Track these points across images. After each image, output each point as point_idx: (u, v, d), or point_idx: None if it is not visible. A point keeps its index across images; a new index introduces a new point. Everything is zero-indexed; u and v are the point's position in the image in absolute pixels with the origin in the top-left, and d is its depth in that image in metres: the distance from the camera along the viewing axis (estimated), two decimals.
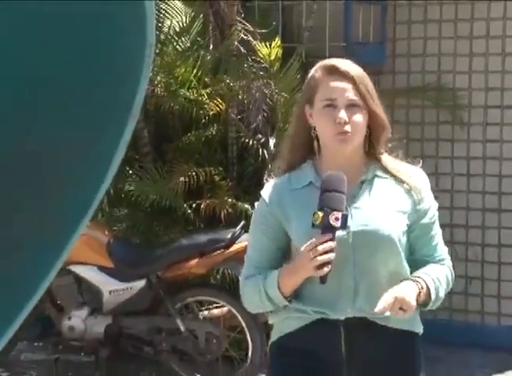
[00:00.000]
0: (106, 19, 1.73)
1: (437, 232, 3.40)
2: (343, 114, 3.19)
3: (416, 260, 3.33)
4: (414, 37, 8.99)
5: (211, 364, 7.38)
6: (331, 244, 3.09)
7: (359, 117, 3.22)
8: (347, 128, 3.20)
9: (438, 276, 3.30)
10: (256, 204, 3.46)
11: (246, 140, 8.23)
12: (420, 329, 3.46)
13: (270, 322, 3.43)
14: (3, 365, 7.63)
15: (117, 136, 1.78)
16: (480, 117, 8.75)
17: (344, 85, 3.24)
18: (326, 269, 3.09)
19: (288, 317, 3.31)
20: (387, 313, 3.15)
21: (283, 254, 3.34)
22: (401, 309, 3.11)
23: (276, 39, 8.03)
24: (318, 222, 3.09)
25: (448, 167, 8.73)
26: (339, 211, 3.09)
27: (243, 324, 6.86)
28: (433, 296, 3.24)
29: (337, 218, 3.07)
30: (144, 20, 1.65)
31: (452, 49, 8.86)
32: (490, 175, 8.70)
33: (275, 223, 3.32)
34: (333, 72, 3.27)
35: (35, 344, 8.11)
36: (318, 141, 3.33)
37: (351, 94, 3.24)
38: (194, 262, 7.45)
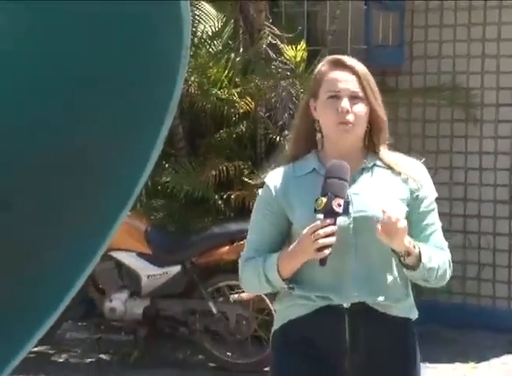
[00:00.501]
0: (144, 19, 1.73)
1: (434, 221, 3.32)
2: (345, 103, 3.14)
3: None
4: (430, 41, 8.98)
5: (241, 344, 7.40)
6: (333, 227, 3.03)
7: (361, 108, 3.17)
8: (350, 117, 3.15)
9: (433, 251, 3.20)
10: (260, 190, 3.39)
11: (274, 136, 8.24)
12: (414, 315, 3.35)
13: (274, 308, 3.37)
14: (50, 343, 7.67)
15: (155, 133, 1.78)
16: (492, 115, 8.73)
17: (347, 77, 3.19)
18: (326, 252, 3.03)
19: (293, 304, 3.23)
20: (381, 298, 3.14)
21: (283, 240, 3.27)
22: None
23: (301, 42, 8.05)
24: (321, 208, 3.04)
25: (462, 161, 8.71)
26: (341, 197, 3.05)
27: (271, 307, 6.85)
28: (424, 260, 3.12)
29: (339, 204, 3.03)
30: (180, 21, 1.64)
31: (465, 51, 8.85)
32: (501, 169, 8.69)
33: (277, 209, 3.25)
34: (338, 65, 3.23)
35: (79, 324, 8.15)
36: (321, 134, 3.26)
37: (354, 86, 3.18)
38: (225, 248, 7.47)
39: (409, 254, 3.09)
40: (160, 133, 1.76)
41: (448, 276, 3.30)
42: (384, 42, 8.79)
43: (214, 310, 7.43)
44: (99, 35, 1.77)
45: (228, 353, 7.50)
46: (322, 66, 3.26)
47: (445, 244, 3.32)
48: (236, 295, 7.29)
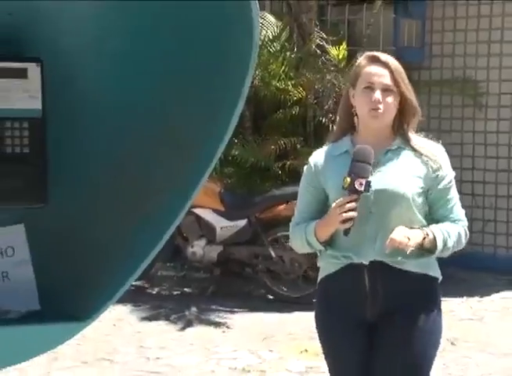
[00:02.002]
0: (221, 20, 1.73)
1: (453, 196, 3.12)
2: (378, 95, 2.99)
3: (434, 219, 3.07)
4: (446, 43, 8.96)
5: (294, 281, 7.41)
6: (354, 204, 2.90)
7: (391, 100, 3.01)
8: (380, 106, 2.99)
9: (449, 230, 3.04)
10: (305, 167, 3.23)
11: (320, 118, 8.27)
12: (436, 274, 3.12)
13: (318, 265, 3.21)
14: (145, 279, 7.77)
15: (230, 113, 1.80)
16: (495, 102, 8.70)
17: (381, 72, 3.03)
18: (347, 225, 2.91)
19: (327, 262, 3.12)
20: (399, 257, 2.97)
21: (323, 209, 3.10)
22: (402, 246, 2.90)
23: (343, 44, 8.06)
24: (346, 186, 2.92)
25: (470, 138, 8.67)
26: (364, 177, 2.91)
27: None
28: (439, 244, 2.98)
29: (361, 184, 2.89)
30: (251, 21, 1.65)
31: (474, 51, 8.82)
32: (502, 144, 8.70)
33: (317, 184, 3.12)
34: (374, 61, 3.06)
35: (167, 264, 8.21)
36: (357, 118, 3.11)
37: (386, 80, 3.02)
38: (282, 207, 7.50)
39: (424, 244, 2.96)
40: (234, 114, 1.79)
41: (464, 243, 3.13)
42: (409, 44, 8.77)
43: (273, 254, 7.46)
44: (186, 34, 1.78)
45: (283, 288, 7.53)
46: (361, 60, 3.11)
47: (463, 213, 3.14)
48: (290, 243, 7.34)
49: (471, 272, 7.92)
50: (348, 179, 2.91)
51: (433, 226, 3.03)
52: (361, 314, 3.07)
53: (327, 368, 3.22)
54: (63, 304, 1.96)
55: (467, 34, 8.86)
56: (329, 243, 3.07)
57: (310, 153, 8.79)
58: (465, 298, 6.89)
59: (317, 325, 3.19)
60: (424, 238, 2.96)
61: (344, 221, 2.92)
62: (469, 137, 8.69)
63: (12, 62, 1.83)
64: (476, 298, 7.47)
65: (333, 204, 2.96)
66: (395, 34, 8.80)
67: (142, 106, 1.91)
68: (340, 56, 8.02)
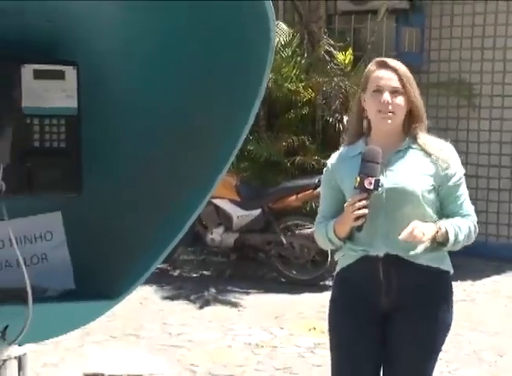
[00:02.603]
0: (237, 12, 1.72)
1: (463, 193, 3.03)
2: (387, 96, 2.91)
3: (445, 214, 2.98)
4: (443, 49, 8.96)
5: (303, 265, 7.42)
6: (365, 202, 2.83)
7: (400, 101, 2.93)
8: (390, 107, 2.92)
9: (459, 225, 2.95)
10: (324, 169, 3.14)
11: (328, 118, 8.27)
12: (448, 268, 3.03)
13: (335, 258, 3.14)
14: (168, 263, 7.79)
15: (247, 112, 1.80)
16: (487, 103, 8.73)
17: (389, 75, 2.95)
18: (360, 221, 2.84)
19: (344, 255, 3.04)
20: (412, 252, 2.89)
21: (342, 207, 2.99)
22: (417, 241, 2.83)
23: (349, 50, 8.07)
24: (357, 185, 2.84)
25: (465, 136, 8.66)
26: (373, 176, 2.82)
27: None
28: (451, 238, 2.90)
29: (370, 183, 2.82)
30: (266, 16, 1.64)
31: (469, 57, 8.81)
32: (493, 141, 8.73)
33: (335, 185, 3.04)
34: (383, 66, 2.98)
35: (188, 249, 8.24)
36: (368, 121, 3.02)
37: (394, 82, 2.94)
38: (293, 198, 7.51)
39: (436, 238, 2.88)
40: (251, 113, 1.79)
41: (473, 238, 3.03)
42: (409, 50, 8.76)
43: (284, 241, 7.47)
44: (207, 37, 1.78)
45: (293, 272, 7.54)
46: (371, 66, 3.03)
47: (472, 209, 3.06)
48: (300, 231, 7.33)
49: (465, 258, 7.89)
50: (358, 179, 2.84)
51: (444, 221, 2.94)
52: (375, 304, 2.99)
53: (330, 362, 3.10)
54: (96, 284, 1.97)
55: (462, 42, 8.88)
56: (349, 237, 2.99)
57: (318, 150, 8.77)
58: (459, 281, 6.87)
59: (329, 312, 3.11)
60: (437, 232, 2.88)
61: (357, 218, 2.85)
62: (463, 135, 8.69)
63: (52, 65, 1.84)
64: (469, 282, 7.46)
65: (346, 204, 2.89)
66: (397, 41, 8.82)
67: (167, 105, 1.91)
68: (347, 61, 8.04)
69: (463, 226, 2.96)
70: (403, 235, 2.80)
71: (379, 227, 2.94)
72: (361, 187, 2.83)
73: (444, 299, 3.02)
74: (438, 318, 3.00)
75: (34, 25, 1.79)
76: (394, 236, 2.86)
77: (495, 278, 7.86)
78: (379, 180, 2.85)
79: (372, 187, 2.83)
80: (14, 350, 1.82)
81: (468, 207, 3.04)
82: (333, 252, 3.16)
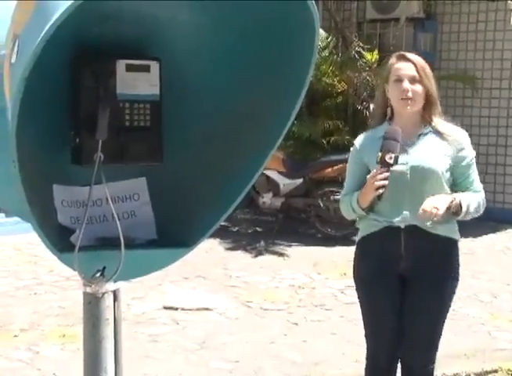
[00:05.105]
0: (287, 20, 1.69)
1: (473, 172, 2.92)
2: (406, 84, 2.80)
3: (458, 190, 2.87)
4: (452, 50, 8.93)
5: (336, 224, 7.41)
6: (386, 174, 2.70)
7: (418, 88, 2.81)
8: (409, 94, 2.80)
9: (471, 198, 2.85)
10: (351, 148, 3.04)
11: (357, 105, 8.22)
12: (457, 237, 2.94)
13: (357, 226, 3.02)
14: (229, 220, 7.84)
15: (294, 99, 1.78)
16: (487, 94, 8.67)
17: (407, 66, 2.83)
18: (380, 191, 2.71)
19: (368, 224, 2.91)
20: (429, 223, 2.77)
21: (364, 182, 2.86)
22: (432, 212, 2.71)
23: (375, 50, 8.04)
24: (378, 160, 2.72)
25: (469, 121, 8.53)
26: (393, 152, 2.70)
27: None
28: (464, 208, 2.78)
29: (390, 157, 2.69)
30: (311, 15, 1.61)
31: (473, 56, 8.73)
32: (492, 126, 8.66)
33: (360, 162, 2.91)
34: (402, 58, 2.87)
35: (245, 210, 8.28)
36: (391, 108, 2.91)
37: (412, 72, 2.82)
38: (328, 170, 7.48)
39: (451, 208, 2.77)
40: (298, 100, 1.77)
41: (481, 211, 2.92)
42: (424, 50, 8.66)
43: (321, 204, 7.45)
44: (265, 32, 1.76)
45: (328, 229, 7.53)
46: (391, 59, 2.93)
47: (481, 186, 2.95)
48: (334, 196, 7.31)
49: (474, 220, 7.84)
50: (380, 154, 2.73)
51: (457, 195, 2.83)
52: (395, 266, 2.87)
53: (361, 315, 3.01)
54: (174, 234, 1.98)
55: (468, 44, 8.84)
56: (371, 209, 2.87)
57: (349, 132, 8.70)
58: (462, 238, 6.91)
59: (356, 275, 2.99)
60: (452, 201, 2.77)
61: (377, 188, 2.73)
62: (467, 120, 8.62)
63: (140, 60, 1.85)
64: (470, 238, 7.37)
65: (368, 176, 2.79)
66: (414, 43, 8.83)
67: (230, 92, 1.90)
68: (373, 60, 8.01)
69: (473, 199, 2.86)
70: (420, 214, 2.70)
71: (403, 201, 2.82)
72: (382, 161, 2.73)
73: (455, 262, 2.93)
74: (451, 277, 2.91)
75: (127, 28, 1.81)
76: (416, 210, 2.75)
77: (491, 236, 7.77)
78: (398, 156, 2.73)
79: (392, 161, 2.71)
80: (110, 286, 1.85)
81: (478, 184, 2.94)
82: (355, 220, 3.04)
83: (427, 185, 2.81)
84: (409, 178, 2.81)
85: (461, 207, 2.79)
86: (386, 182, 2.72)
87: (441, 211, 2.70)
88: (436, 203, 2.71)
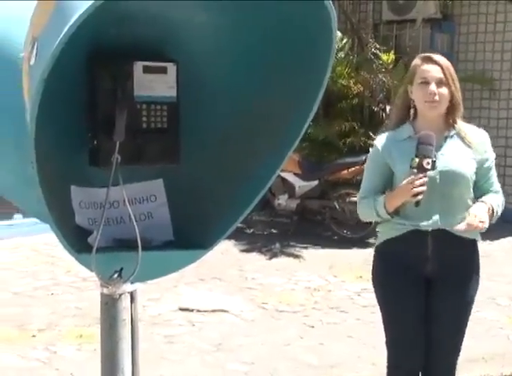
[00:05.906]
0: (304, 22, 1.68)
1: (493, 173, 2.90)
2: (433, 87, 2.76)
3: (479, 191, 2.85)
4: (469, 51, 8.84)
5: (352, 226, 7.39)
6: (425, 179, 2.67)
7: (444, 90, 2.78)
8: (436, 97, 2.76)
9: (496, 200, 2.84)
10: (371, 149, 2.98)
11: (373, 107, 8.19)
12: (479, 238, 2.90)
13: (377, 230, 2.94)
14: (244, 223, 7.83)
15: (311, 101, 1.78)
16: (506, 95, 8.64)
17: (434, 68, 2.79)
18: (419, 197, 2.67)
19: (391, 228, 2.85)
20: (461, 227, 2.72)
21: (385, 185, 2.85)
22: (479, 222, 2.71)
23: (391, 52, 8.00)
24: (415, 165, 2.66)
25: (486, 122, 8.47)
26: (430, 157, 2.67)
27: None
28: (494, 214, 2.79)
29: (428, 163, 2.66)
30: (329, 16, 1.60)
31: (491, 57, 8.67)
32: (510, 127, 8.66)
33: (382, 163, 2.85)
34: (428, 60, 2.81)
35: (260, 211, 8.28)
36: (415, 109, 2.85)
37: (439, 74, 2.77)
38: (344, 172, 7.46)
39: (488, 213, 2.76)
40: (315, 102, 1.76)
41: (501, 211, 2.89)
42: (442, 51, 8.62)
43: (337, 206, 7.43)
44: (284, 32, 1.76)
45: (344, 231, 7.51)
46: (416, 60, 2.85)
47: (499, 186, 2.93)
48: (350, 198, 7.28)
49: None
50: (417, 160, 2.67)
51: (487, 199, 2.81)
52: (422, 269, 2.84)
53: (382, 319, 2.95)
54: (190, 236, 1.98)
55: (486, 46, 8.75)
56: (397, 213, 2.82)
57: (365, 134, 8.67)
58: (480, 241, 6.84)
59: (377, 280, 2.93)
60: (488, 209, 2.77)
61: (416, 194, 2.68)
62: (485, 121, 8.56)
63: (157, 62, 1.86)
64: (487, 241, 7.31)
65: (404, 181, 2.70)
66: (431, 43, 8.78)
67: (247, 93, 1.90)
68: (389, 61, 7.97)
69: (499, 202, 2.86)
70: (465, 227, 2.67)
71: (433, 205, 2.77)
72: (419, 167, 2.67)
73: (477, 264, 2.93)
74: (473, 279, 2.90)
75: (144, 30, 1.81)
76: (446, 214, 2.74)
77: (509, 238, 7.69)
78: (435, 161, 2.69)
79: (429, 167, 2.67)
80: (127, 287, 1.85)
81: (497, 184, 2.93)
82: (376, 223, 2.97)
83: (457, 189, 2.79)
84: (439, 183, 2.77)
85: (493, 214, 2.80)
86: (424, 188, 2.68)
87: (487, 224, 2.71)
88: (480, 216, 2.70)
